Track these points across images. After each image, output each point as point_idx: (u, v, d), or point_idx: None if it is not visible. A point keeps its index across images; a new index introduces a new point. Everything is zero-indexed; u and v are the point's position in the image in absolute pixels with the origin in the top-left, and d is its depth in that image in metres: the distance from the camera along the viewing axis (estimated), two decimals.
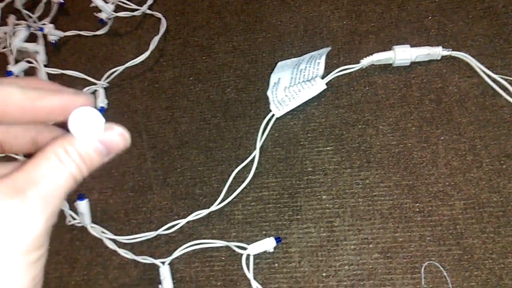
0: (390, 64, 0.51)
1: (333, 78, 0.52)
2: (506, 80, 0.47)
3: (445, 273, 0.41)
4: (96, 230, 0.50)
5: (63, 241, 0.51)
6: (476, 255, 0.42)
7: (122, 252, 0.48)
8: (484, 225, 0.42)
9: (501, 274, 0.40)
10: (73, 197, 0.52)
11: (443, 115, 0.48)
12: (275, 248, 0.45)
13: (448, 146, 0.46)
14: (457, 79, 0.49)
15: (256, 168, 0.49)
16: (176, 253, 0.47)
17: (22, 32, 0.63)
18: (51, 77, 0.62)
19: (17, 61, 0.62)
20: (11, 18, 0.66)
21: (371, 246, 0.44)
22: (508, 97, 0.47)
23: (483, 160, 0.45)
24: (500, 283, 0.40)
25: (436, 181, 0.45)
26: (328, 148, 0.49)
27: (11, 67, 0.59)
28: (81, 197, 0.50)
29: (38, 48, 0.63)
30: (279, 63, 0.47)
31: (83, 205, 0.50)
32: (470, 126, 0.47)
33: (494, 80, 0.47)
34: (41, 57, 0.63)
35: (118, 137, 0.20)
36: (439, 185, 0.45)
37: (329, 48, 0.48)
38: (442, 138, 0.47)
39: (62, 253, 0.50)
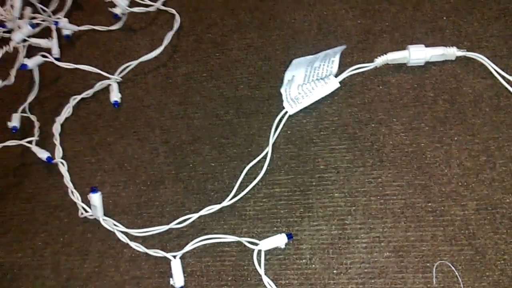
0: (404, 64, 0.51)
1: (347, 77, 0.52)
2: None
3: (456, 273, 0.41)
4: (108, 223, 0.50)
5: (75, 233, 0.51)
6: (488, 256, 0.42)
7: (134, 245, 0.48)
8: (497, 226, 0.42)
9: None
10: (86, 190, 0.52)
11: (457, 116, 0.48)
12: (286, 244, 0.46)
13: (461, 147, 0.46)
14: (471, 80, 0.49)
15: (268, 165, 0.50)
16: (188, 247, 0.47)
17: (25, 28, 0.62)
18: (65, 71, 0.62)
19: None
20: (27, 11, 0.66)
21: (382, 244, 0.44)
22: None
23: (497, 161, 0.45)
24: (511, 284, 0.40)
25: (449, 181, 0.45)
26: (340, 146, 0.49)
27: (26, 61, 0.59)
28: (94, 190, 0.50)
29: (51, 44, 0.64)
30: (294, 61, 0.47)
31: (96, 198, 0.50)
32: (484, 127, 0.47)
33: (508, 82, 0.47)
34: (55, 51, 0.63)
35: None
36: (452, 185, 0.45)
37: (344, 47, 0.48)
38: (456, 138, 0.47)
39: (74, 245, 0.51)
